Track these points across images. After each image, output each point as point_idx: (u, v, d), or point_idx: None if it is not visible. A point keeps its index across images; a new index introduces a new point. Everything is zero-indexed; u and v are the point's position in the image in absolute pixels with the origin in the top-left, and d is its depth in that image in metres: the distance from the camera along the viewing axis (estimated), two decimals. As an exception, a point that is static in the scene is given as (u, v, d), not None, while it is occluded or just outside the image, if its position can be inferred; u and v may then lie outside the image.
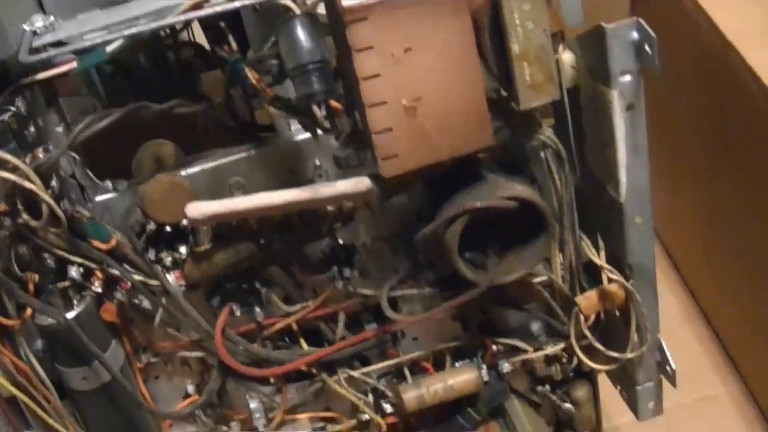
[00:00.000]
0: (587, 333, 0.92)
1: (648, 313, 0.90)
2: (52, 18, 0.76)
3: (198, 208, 0.81)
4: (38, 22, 0.76)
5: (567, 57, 0.83)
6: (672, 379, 0.93)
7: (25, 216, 0.77)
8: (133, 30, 0.72)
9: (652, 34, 0.77)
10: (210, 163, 0.84)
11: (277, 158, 0.85)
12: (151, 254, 0.85)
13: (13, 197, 0.77)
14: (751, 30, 1.07)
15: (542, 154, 0.86)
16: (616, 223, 0.86)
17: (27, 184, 0.75)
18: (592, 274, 0.92)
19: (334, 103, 0.76)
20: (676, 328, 1.26)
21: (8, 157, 0.74)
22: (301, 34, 0.74)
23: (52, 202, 0.76)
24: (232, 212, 0.81)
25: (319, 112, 0.75)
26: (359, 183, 0.81)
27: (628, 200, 0.84)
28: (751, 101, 1.02)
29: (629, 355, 0.92)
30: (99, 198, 0.84)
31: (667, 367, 0.93)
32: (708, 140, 1.15)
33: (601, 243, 0.90)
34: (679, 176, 1.24)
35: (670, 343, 1.21)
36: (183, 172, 0.83)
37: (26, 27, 0.75)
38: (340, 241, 0.89)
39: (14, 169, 0.74)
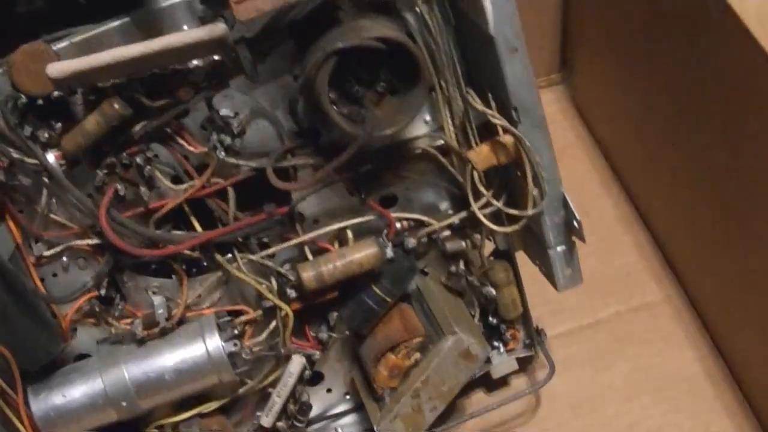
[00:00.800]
0: (482, 189, 0.88)
1: (543, 161, 0.86)
2: None
3: (58, 67, 0.80)
4: None
5: None
6: (579, 234, 0.88)
7: None
8: None
9: None
10: (77, 37, 0.83)
11: (145, 26, 0.84)
12: (27, 131, 0.84)
13: None
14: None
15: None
16: (493, 62, 0.83)
17: None
18: (487, 132, 0.88)
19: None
20: (614, 232, 1.21)
21: None
22: None
23: None
24: (92, 68, 0.80)
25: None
26: (214, 29, 0.80)
27: (497, 29, 0.81)
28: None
29: (530, 211, 0.87)
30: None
31: (574, 222, 0.88)
32: (644, 17, 1.11)
33: (489, 96, 0.87)
34: (614, 62, 1.21)
35: (608, 248, 1.17)
36: (53, 47, 0.83)
37: None
38: (218, 111, 0.87)
39: None
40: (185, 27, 0.83)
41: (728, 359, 1.09)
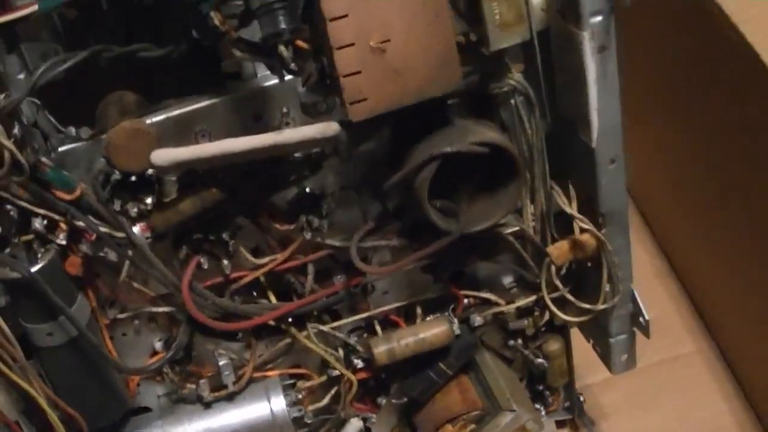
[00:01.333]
0: (558, 284, 0.90)
1: (620, 262, 0.88)
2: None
3: (163, 155, 0.78)
4: (-3, -38, 0.73)
5: (536, -1, 0.82)
6: (645, 330, 0.92)
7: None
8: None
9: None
10: (175, 111, 0.81)
11: (243, 105, 0.82)
12: (117, 205, 0.82)
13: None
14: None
15: (512, 100, 0.84)
16: (588, 168, 0.84)
17: (-16, 129, 0.72)
18: (564, 224, 0.90)
19: (300, 43, 0.74)
20: (648, 286, 1.24)
21: (-35, 103, 0.72)
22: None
23: (13, 148, 0.73)
24: (197, 159, 0.78)
25: (286, 53, 0.73)
26: (327, 128, 0.79)
27: (600, 144, 0.82)
28: (729, 48, 1.01)
29: (601, 306, 0.90)
30: (63, 147, 0.81)
31: (641, 319, 0.91)
32: (678, 81, 1.13)
33: (573, 192, 0.89)
34: (652, 133, 1.23)
35: (643, 299, 1.20)
36: (148, 120, 0.81)
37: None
38: (308, 190, 0.86)
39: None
40: (284, 109, 0.82)
41: (759, 412, 1.14)
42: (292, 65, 0.75)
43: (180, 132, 0.81)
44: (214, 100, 0.82)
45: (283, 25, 0.72)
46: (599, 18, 0.78)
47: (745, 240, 1.07)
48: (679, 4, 1.10)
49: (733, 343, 1.17)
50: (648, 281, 1.25)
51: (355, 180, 0.87)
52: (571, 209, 0.87)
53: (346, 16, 0.74)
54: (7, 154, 0.74)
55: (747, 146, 1.03)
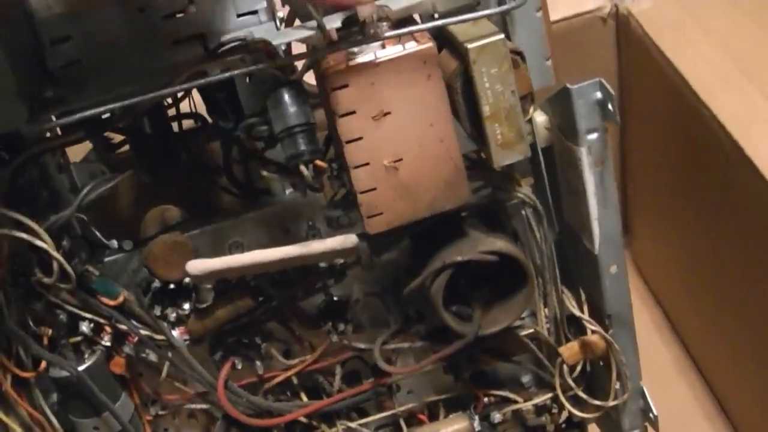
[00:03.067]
0: (571, 383, 0.93)
1: (628, 361, 0.91)
2: (60, 92, 0.81)
3: (198, 265, 0.84)
4: (47, 92, 0.80)
5: (541, 119, 0.87)
6: (655, 425, 0.94)
7: (38, 273, 0.81)
8: (135, 100, 0.76)
9: (612, 91, 0.80)
10: (210, 226, 0.88)
11: (273, 220, 0.88)
12: (157, 310, 0.88)
13: (27, 256, 0.81)
14: (713, 76, 1.09)
15: (522, 211, 0.89)
16: (593, 273, 0.89)
17: (39, 243, 0.79)
18: (576, 325, 0.94)
19: (319, 162, 0.80)
20: (670, 379, 1.26)
21: (22, 218, 0.78)
22: (287, 100, 0.78)
23: (62, 260, 0.80)
24: (230, 269, 0.84)
25: (307, 172, 0.79)
26: (347, 240, 0.85)
27: (602, 251, 0.87)
28: (718, 146, 1.04)
29: (611, 403, 0.93)
30: (108, 257, 0.88)
31: (650, 414, 0.94)
32: (685, 187, 1.16)
33: (583, 295, 0.93)
34: (665, 226, 1.26)
35: (664, 394, 1.22)
36: (185, 233, 0.87)
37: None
38: (335, 297, 0.92)
39: (28, 230, 0.79)
40: (310, 222, 0.88)
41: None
42: (313, 182, 0.82)
43: (215, 244, 0.88)
44: (245, 215, 0.89)
45: (303, 147, 0.78)
46: (595, 135, 0.83)
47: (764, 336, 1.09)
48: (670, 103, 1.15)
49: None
50: (669, 374, 1.27)
51: (377, 287, 0.92)
52: (580, 312, 0.91)
53: (360, 138, 0.80)
54: (56, 265, 0.81)
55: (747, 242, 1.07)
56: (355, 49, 0.79)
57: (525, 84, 0.82)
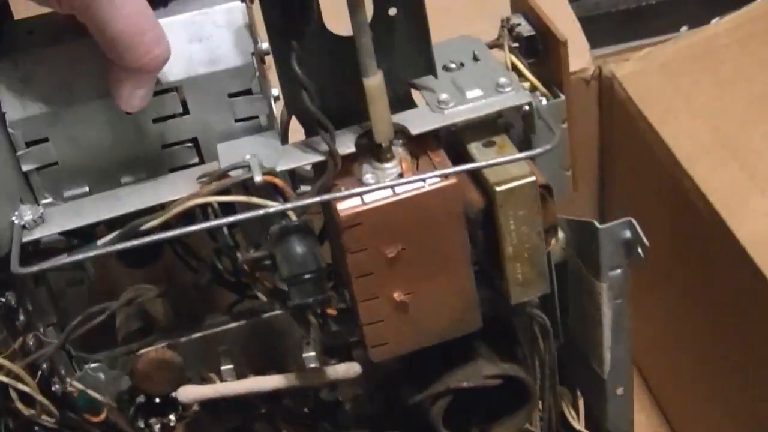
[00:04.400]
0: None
1: (624, 472, 0.88)
2: (40, 209, 0.71)
3: (189, 393, 0.77)
4: (27, 214, 0.70)
5: (558, 241, 0.80)
6: None
7: (19, 405, 0.73)
8: (127, 244, 0.68)
9: (644, 239, 0.74)
10: (197, 334, 0.80)
11: (265, 328, 0.80)
12: (141, 422, 0.81)
13: (6, 390, 0.73)
14: (695, 147, 1.04)
15: (529, 325, 0.84)
16: (598, 392, 0.84)
17: (21, 386, 0.71)
18: (571, 428, 0.90)
19: (329, 311, 0.73)
20: None
21: (1, 360, 0.70)
22: (296, 246, 0.70)
23: (45, 401, 0.72)
24: (221, 396, 0.78)
25: (314, 321, 0.72)
26: (350, 369, 0.78)
27: (610, 376, 0.82)
28: (699, 217, 1.00)
29: None
30: (87, 366, 0.80)
31: None
32: (665, 256, 1.11)
33: (581, 404, 0.89)
34: (644, 296, 1.21)
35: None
36: (171, 342, 0.80)
37: (15, 220, 0.70)
38: (324, 399, 0.86)
39: (8, 372, 0.71)
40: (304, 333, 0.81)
41: None
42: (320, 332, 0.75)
43: (203, 351, 0.80)
44: (235, 324, 0.81)
45: (312, 299, 0.71)
46: (618, 271, 0.77)
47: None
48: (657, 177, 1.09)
49: None
50: None
51: (369, 387, 0.86)
52: (579, 425, 0.87)
53: (371, 274, 0.73)
54: (38, 405, 0.73)
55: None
56: (369, 177, 0.72)
57: (551, 217, 0.75)
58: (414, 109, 0.75)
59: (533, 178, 0.71)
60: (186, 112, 0.73)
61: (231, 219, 0.68)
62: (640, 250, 0.73)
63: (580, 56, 1.12)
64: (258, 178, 0.68)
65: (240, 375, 0.80)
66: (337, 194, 0.69)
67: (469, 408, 0.83)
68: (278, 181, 0.69)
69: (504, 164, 0.72)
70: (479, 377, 0.79)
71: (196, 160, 0.75)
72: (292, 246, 0.69)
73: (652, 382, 1.28)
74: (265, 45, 0.72)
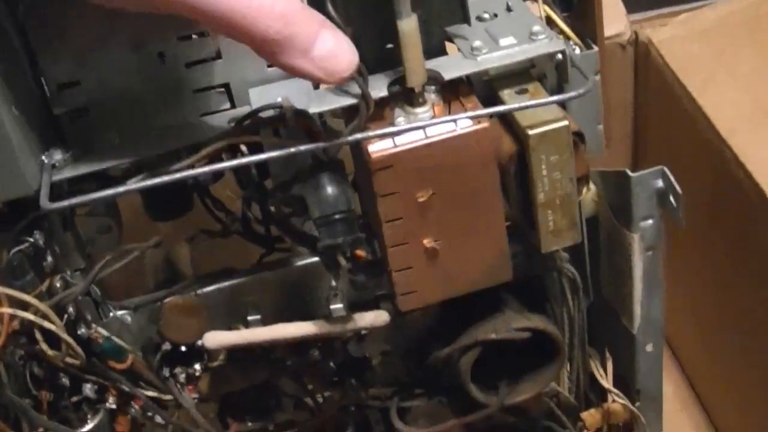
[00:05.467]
0: (589, 448, 0.88)
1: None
2: (70, 153, 0.70)
3: (215, 339, 0.75)
4: (57, 155, 0.70)
5: (589, 191, 0.79)
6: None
7: (44, 346, 0.72)
8: (153, 182, 0.66)
9: (678, 187, 0.72)
10: (225, 283, 0.79)
11: (293, 279, 0.79)
12: (166, 371, 0.80)
13: (32, 329, 0.72)
14: (736, 117, 1.02)
15: (559, 280, 0.82)
16: (627, 349, 0.82)
17: (47, 325, 0.70)
18: (599, 388, 0.88)
19: (359, 253, 0.71)
20: (675, 418, 1.21)
21: (29, 298, 0.69)
22: (326, 183, 0.68)
23: (71, 341, 0.71)
24: (248, 343, 0.76)
25: (344, 263, 0.71)
26: (378, 317, 0.77)
27: (641, 332, 0.80)
28: (738, 188, 0.98)
29: (631, 469, 0.88)
30: (113, 314, 0.78)
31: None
32: (704, 228, 1.09)
33: (610, 364, 0.87)
34: (676, 264, 1.20)
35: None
36: (199, 291, 0.78)
37: (45, 159, 0.70)
38: (352, 355, 0.84)
39: (36, 311, 0.70)
40: (332, 282, 0.79)
41: None
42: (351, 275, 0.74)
43: (230, 303, 0.79)
44: (263, 274, 0.80)
45: (342, 239, 0.69)
46: (650, 222, 0.75)
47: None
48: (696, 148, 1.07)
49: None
50: (674, 413, 1.21)
51: (398, 346, 0.85)
52: (608, 383, 0.85)
53: (401, 218, 0.71)
54: (64, 345, 0.72)
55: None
56: (402, 120, 0.70)
57: (582, 166, 0.73)
58: (447, 56, 0.73)
59: (566, 122, 0.69)
60: (218, 56, 0.72)
61: (260, 157, 0.66)
62: (672, 200, 0.72)
63: (616, 20, 1.10)
64: (291, 120, 0.67)
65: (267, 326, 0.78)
66: (369, 134, 0.67)
67: (497, 364, 0.81)
68: (310, 124, 0.68)
69: (536, 108, 0.70)
70: (508, 329, 0.78)
71: (228, 105, 0.74)
72: (323, 185, 0.68)
73: (682, 354, 1.26)
74: None
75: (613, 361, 0.86)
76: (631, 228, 0.74)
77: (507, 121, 0.72)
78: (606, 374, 0.86)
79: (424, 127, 0.68)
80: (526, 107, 0.68)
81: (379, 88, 0.70)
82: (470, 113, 0.68)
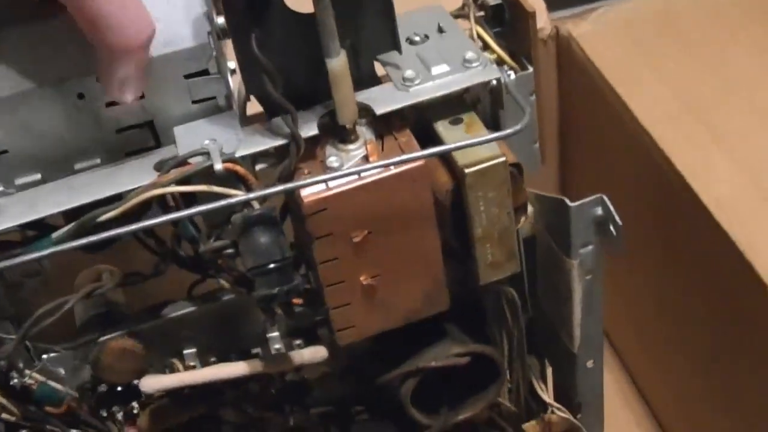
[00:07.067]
0: (531, 456, 0.87)
1: (593, 440, 0.86)
2: (-3, 197, 0.66)
3: (152, 384, 0.72)
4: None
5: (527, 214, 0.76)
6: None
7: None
8: (83, 241, 0.62)
9: (617, 217, 0.70)
10: (159, 321, 0.75)
11: (229, 310, 0.76)
12: (104, 410, 0.77)
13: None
14: (660, 109, 1.00)
15: (497, 300, 0.80)
16: (568, 365, 0.80)
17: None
18: (540, 399, 0.86)
19: (295, 301, 0.68)
20: (617, 413, 1.19)
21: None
22: (260, 235, 0.65)
23: (4, 401, 0.68)
24: (185, 385, 0.73)
25: (280, 311, 0.68)
26: (316, 354, 0.74)
27: (581, 350, 0.79)
28: (667, 184, 0.96)
29: (573, 476, 0.88)
30: (47, 357, 0.74)
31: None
32: (633, 220, 1.06)
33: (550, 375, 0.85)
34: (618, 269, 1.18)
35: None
36: (134, 329, 0.75)
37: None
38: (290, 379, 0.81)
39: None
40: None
41: None
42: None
43: (165, 336, 0.75)
44: (199, 307, 0.76)
45: (277, 290, 0.66)
46: (589, 248, 0.73)
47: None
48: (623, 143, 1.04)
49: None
50: (617, 407, 1.20)
51: (339, 369, 0.82)
52: (548, 397, 0.83)
53: (336, 259, 0.68)
54: (-2, 404, 0.69)
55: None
56: (334, 160, 0.67)
57: (521, 197, 0.70)
58: (378, 87, 0.70)
59: (503, 159, 0.66)
60: (140, 96, 0.68)
61: (191, 212, 0.62)
62: (612, 229, 0.70)
63: (536, 16, 1.07)
64: (218, 166, 0.64)
65: (203, 359, 0.75)
66: (301, 183, 0.64)
67: (439, 386, 0.80)
68: (239, 169, 0.64)
69: (470, 126, 0.68)
70: (447, 356, 0.76)
71: (153, 143, 0.70)
72: (256, 236, 0.64)
73: (621, 348, 1.24)
74: (221, 20, 0.67)
75: (554, 372, 0.85)
76: (570, 255, 0.72)
77: (443, 155, 0.69)
78: (546, 385, 0.84)
79: (357, 173, 0.65)
80: (464, 147, 0.65)
81: (309, 125, 0.67)
82: (404, 156, 0.65)
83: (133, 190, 0.65)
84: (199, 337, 0.76)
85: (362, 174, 0.66)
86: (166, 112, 0.69)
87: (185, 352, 0.76)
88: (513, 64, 0.73)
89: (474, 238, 0.69)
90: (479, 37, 0.74)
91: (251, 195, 0.63)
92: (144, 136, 0.70)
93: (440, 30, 0.73)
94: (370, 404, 0.84)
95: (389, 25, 0.69)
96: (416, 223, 0.69)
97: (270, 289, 0.65)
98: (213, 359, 0.75)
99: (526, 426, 0.84)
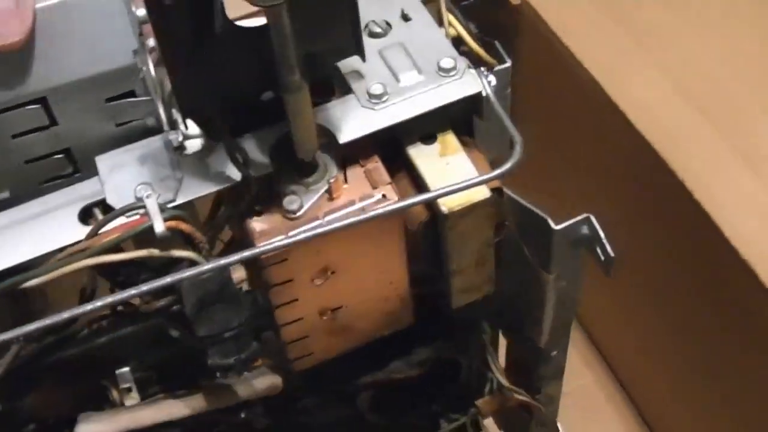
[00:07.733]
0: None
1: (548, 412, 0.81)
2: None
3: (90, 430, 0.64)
4: None
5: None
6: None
7: None
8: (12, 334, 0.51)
9: (608, 246, 0.61)
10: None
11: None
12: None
13: None
14: (610, 54, 0.91)
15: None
16: (531, 354, 0.75)
17: None
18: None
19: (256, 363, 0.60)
20: (600, 409, 1.13)
21: None
22: (213, 303, 0.55)
23: None
24: (125, 429, 0.65)
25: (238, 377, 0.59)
26: (272, 386, 0.66)
27: (547, 344, 0.73)
28: (624, 138, 0.88)
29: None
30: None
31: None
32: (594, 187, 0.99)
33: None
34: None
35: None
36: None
37: None
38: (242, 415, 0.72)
39: None
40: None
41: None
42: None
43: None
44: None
45: (233, 359, 0.57)
46: (569, 263, 0.66)
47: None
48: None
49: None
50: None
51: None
52: (506, 381, 0.77)
53: (296, 300, 0.60)
54: None
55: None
56: (293, 199, 0.57)
57: (501, 216, 0.62)
58: (340, 101, 0.59)
59: (489, 196, 0.57)
60: (54, 122, 0.56)
61: (133, 292, 0.52)
62: (599, 251, 0.62)
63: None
64: (160, 228, 0.53)
65: (147, 388, 0.67)
66: (257, 249, 0.53)
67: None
68: (184, 227, 0.54)
69: (451, 165, 0.58)
70: (410, 367, 0.70)
71: (70, 170, 0.59)
72: (207, 302, 0.55)
73: (605, 345, 1.17)
74: (141, 12, 0.54)
75: (511, 347, 0.79)
76: (548, 270, 0.65)
77: (417, 184, 0.59)
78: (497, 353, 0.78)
79: (322, 233, 0.54)
80: (449, 192, 0.55)
81: (260, 158, 0.56)
82: (381, 210, 0.55)
83: (60, 249, 0.54)
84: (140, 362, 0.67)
85: (327, 221, 0.56)
86: (84, 137, 0.57)
87: (117, 372, 0.67)
88: (490, 60, 0.63)
89: (450, 272, 0.61)
90: (451, 24, 0.62)
91: (203, 268, 0.53)
92: (60, 163, 0.58)
93: (404, 17, 0.62)
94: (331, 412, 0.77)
95: (353, 28, 0.57)
96: (383, 256, 0.60)
97: (226, 359, 0.57)
98: (157, 387, 0.67)
99: (480, 402, 0.80)
